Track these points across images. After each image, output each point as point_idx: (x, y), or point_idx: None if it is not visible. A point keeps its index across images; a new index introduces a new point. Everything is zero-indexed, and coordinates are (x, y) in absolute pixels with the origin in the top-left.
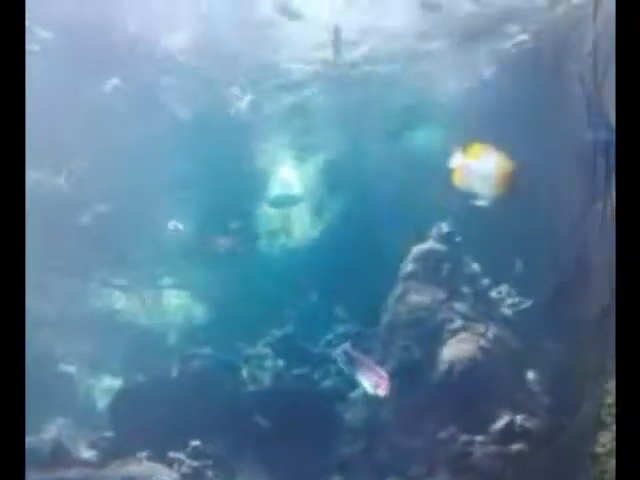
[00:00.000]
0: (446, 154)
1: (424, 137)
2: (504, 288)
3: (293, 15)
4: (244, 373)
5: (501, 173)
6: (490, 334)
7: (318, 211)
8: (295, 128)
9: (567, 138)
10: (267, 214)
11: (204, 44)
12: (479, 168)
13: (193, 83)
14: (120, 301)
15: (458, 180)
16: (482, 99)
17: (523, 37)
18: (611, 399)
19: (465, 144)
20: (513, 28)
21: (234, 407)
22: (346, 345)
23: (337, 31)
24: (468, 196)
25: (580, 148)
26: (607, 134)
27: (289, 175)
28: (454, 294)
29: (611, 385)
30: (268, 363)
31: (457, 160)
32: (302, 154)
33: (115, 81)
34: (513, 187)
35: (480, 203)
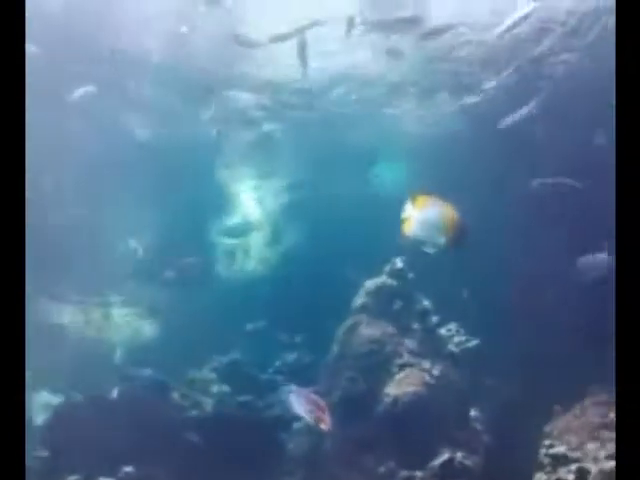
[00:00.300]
0: (403, 193)
1: (385, 176)
2: (453, 326)
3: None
4: (186, 397)
5: (450, 223)
6: (436, 371)
7: (274, 241)
8: (257, 159)
9: (520, 186)
10: (223, 241)
11: (178, 62)
12: (425, 218)
13: (161, 102)
14: (67, 316)
15: (407, 230)
16: (445, 147)
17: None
18: (548, 441)
19: (414, 195)
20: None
21: (173, 432)
22: (291, 387)
23: (302, 43)
24: (419, 243)
25: (530, 196)
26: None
27: (248, 204)
28: (404, 329)
29: (549, 428)
30: (213, 388)
31: (407, 211)
32: (262, 185)
33: (80, 92)
34: (460, 236)
35: (429, 251)
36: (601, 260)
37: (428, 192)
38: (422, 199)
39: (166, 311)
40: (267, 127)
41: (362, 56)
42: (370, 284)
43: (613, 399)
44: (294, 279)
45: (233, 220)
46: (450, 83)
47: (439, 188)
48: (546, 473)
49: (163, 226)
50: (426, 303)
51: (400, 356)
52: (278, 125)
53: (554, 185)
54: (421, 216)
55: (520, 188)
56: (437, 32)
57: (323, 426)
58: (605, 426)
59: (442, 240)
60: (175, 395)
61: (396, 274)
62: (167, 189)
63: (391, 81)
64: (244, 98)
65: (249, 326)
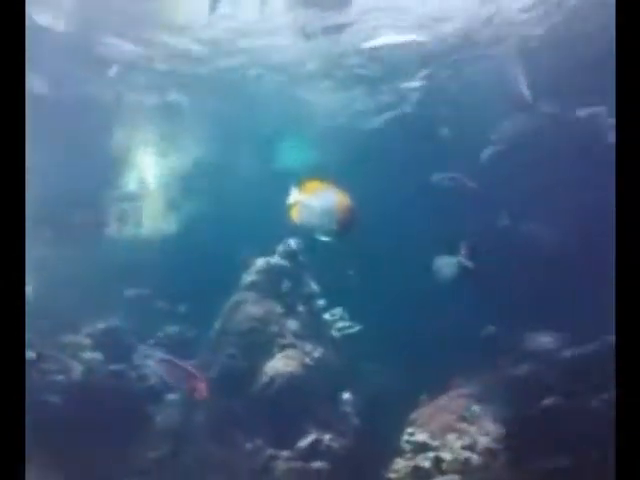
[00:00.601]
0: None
1: (291, 152)
2: (338, 311)
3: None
4: (54, 360)
5: (341, 210)
6: (316, 353)
7: (168, 210)
8: (160, 126)
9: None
10: (118, 203)
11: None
12: (317, 204)
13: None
14: None
15: (295, 216)
16: (352, 137)
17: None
18: (411, 429)
19: (303, 180)
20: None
21: (35, 397)
22: (161, 354)
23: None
24: (309, 231)
25: (428, 189)
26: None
27: (146, 170)
28: (289, 310)
29: (415, 415)
30: (85, 354)
31: (294, 196)
32: (163, 152)
33: None
34: (354, 224)
35: (324, 239)
36: (450, 261)
37: (320, 178)
38: (311, 184)
39: (50, 267)
40: (172, 96)
41: (282, 39)
42: (261, 262)
43: (475, 392)
44: (185, 250)
45: (129, 184)
46: (366, 78)
47: (338, 175)
48: (406, 459)
49: (61, 185)
50: (314, 286)
51: (282, 336)
52: (184, 94)
53: (450, 180)
54: (310, 202)
55: (420, 181)
56: (343, 27)
57: (197, 396)
58: (464, 418)
59: (333, 227)
60: (41, 358)
61: (288, 255)
62: (61, 145)
63: (308, 68)
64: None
65: (130, 291)
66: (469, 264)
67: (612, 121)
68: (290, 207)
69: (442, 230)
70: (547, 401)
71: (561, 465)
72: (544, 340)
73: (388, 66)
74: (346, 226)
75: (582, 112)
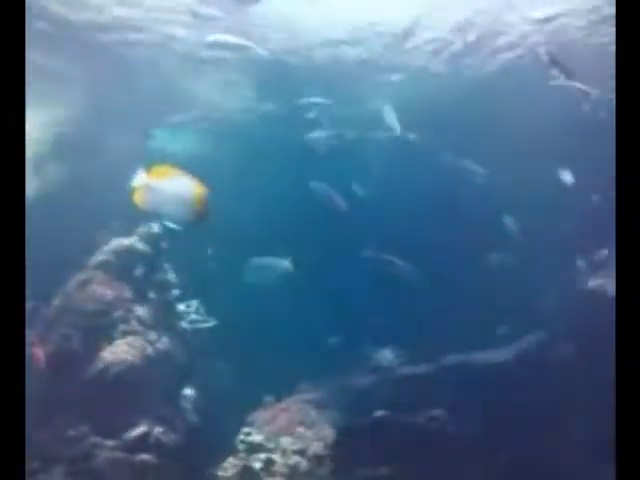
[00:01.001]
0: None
1: (165, 140)
2: (194, 303)
3: None
4: None
5: (197, 199)
6: (160, 345)
7: (35, 172)
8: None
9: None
10: None
11: None
12: (168, 190)
13: None
14: None
15: (140, 200)
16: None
17: None
18: (248, 429)
19: (152, 163)
20: None
21: None
22: None
23: None
24: (154, 216)
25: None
26: None
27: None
28: (139, 296)
29: (255, 416)
30: None
31: (140, 179)
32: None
33: None
34: (206, 213)
35: (174, 227)
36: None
37: (174, 164)
38: (161, 169)
39: None
40: (49, 59)
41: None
42: (117, 243)
43: (318, 398)
44: (41, 223)
45: None
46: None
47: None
48: (238, 459)
49: None
50: (171, 275)
51: (126, 322)
52: (61, 57)
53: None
54: (159, 187)
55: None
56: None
57: (34, 363)
58: (303, 423)
59: (187, 216)
60: None
61: (149, 239)
62: None
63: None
64: None
65: None
66: (290, 267)
67: None
68: (134, 190)
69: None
70: (379, 413)
71: (380, 474)
72: (387, 356)
73: None
74: (201, 216)
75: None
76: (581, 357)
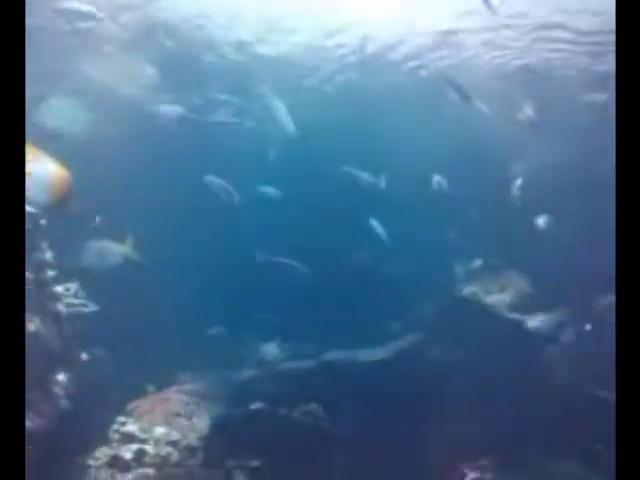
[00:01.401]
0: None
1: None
2: (74, 287)
3: None
4: None
5: (57, 181)
6: (32, 326)
7: None
8: None
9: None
10: None
11: None
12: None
13: None
14: None
15: None
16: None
17: None
18: (124, 418)
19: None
20: None
21: None
22: None
23: None
24: None
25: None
26: None
27: None
28: None
29: (133, 406)
30: None
31: None
32: None
33: None
34: (69, 197)
35: (30, 209)
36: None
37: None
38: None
39: None
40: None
41: None
42: None
43: (199, 389)
44: None
45: None
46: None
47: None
48: (110, 448)
49: None
50: (49, 254)
51: None
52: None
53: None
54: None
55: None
56: None
57: None
58: (180, 414)
59: (45, 198)
60: None
61: (28, 216)
62: None
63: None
64: None
65: None
66: (136, 257)
67: None
68: None
69: None
70: (255, 406)
71: (251, 466)
72: (272, 350)
73: None
74: (62, 199)
75: None
76: (453, 357)
